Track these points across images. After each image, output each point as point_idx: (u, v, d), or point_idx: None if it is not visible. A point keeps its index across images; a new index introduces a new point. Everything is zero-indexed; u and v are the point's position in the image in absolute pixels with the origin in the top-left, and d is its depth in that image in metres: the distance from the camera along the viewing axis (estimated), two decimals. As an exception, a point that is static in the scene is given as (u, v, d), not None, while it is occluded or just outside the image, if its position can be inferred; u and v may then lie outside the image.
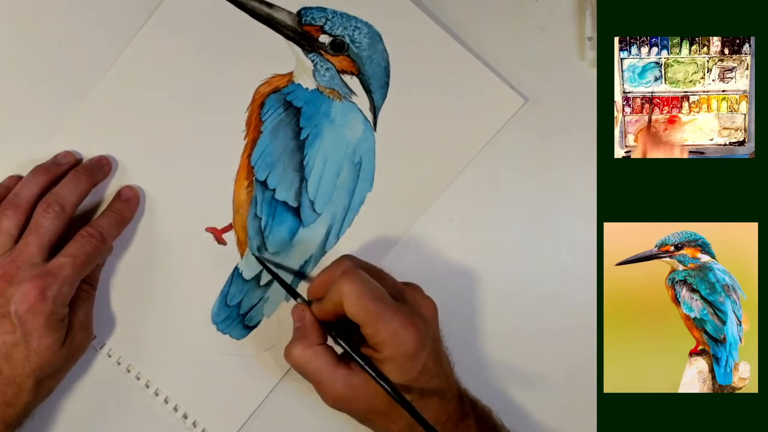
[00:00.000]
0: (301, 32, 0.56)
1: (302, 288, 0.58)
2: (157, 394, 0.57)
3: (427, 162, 0.57)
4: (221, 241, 0.57)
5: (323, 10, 0.56)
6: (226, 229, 0.57)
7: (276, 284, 0.57)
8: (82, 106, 0.57)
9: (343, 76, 0.56)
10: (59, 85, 0.57)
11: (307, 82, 0.57)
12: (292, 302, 0.56)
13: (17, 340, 0.51)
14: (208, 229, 0.57)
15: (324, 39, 0.56)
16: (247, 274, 0.57)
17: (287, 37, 0.56)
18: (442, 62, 0.57)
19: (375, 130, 0.57)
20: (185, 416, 0.57)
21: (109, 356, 0.57)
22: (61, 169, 0.56)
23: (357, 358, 0.49)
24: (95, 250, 0.54)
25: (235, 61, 0.57)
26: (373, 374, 0.49)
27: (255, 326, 0.58)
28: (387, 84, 0.57)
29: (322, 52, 0.56)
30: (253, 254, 0.57)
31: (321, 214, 0.57)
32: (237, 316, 0.57)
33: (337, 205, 0.57)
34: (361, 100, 0.57)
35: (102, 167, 0.57)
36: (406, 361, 0.50)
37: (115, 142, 0.57)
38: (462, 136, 0.57)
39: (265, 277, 0.57)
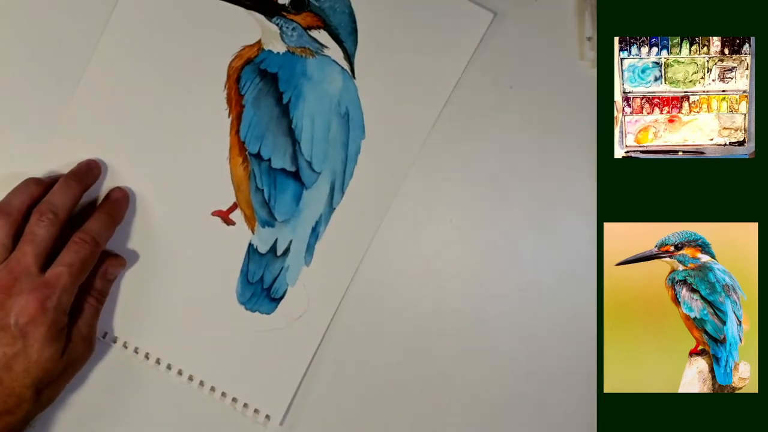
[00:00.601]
0: None
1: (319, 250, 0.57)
2: (202, 385, 0.58)
3: (414, 95, 0.57)
4: (230, 222, 0.57)
5: None
6: (231, 209, 0.57)
7: (294, 251, 0.57)
8: (65, 113, 0.57)
9: (310, 32, 0.56)
10: (44, 87, 0.58)
11: (277, 47, 0.57)
12: (314, 266, 0.57)
13: (18, 351, 0.52)
14: (214, 213, 0.57)
15: (284, 0, 0.56)
16: (263, 248, 0.57)
17: (247, 7, 0.56)
18: None
19: (354, 77, 0.57)
20: (234, 400, 0.58)
21: (147, 359, 0.58)
22: (51, 178, 0.56)
23: None
24: (90, 255, 0.54)
25: (202, 42, 0.57)
26: None
27: (282, 297, 0.58)
28: (355, 30, 0.56)
29: (285, 14, 0.56)
30: None
31: (320, 172, 0.57)
32: (262, 291, 0.57)
33: (335, 160, 0.57)
34: (334, 51, 0.56)
35: (91, 170, 0.57)
36: None
37: (103, 144, 0.58)
38: (440, 62, 0.57)
39: (281, 247, 0.57)
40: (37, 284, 0.52)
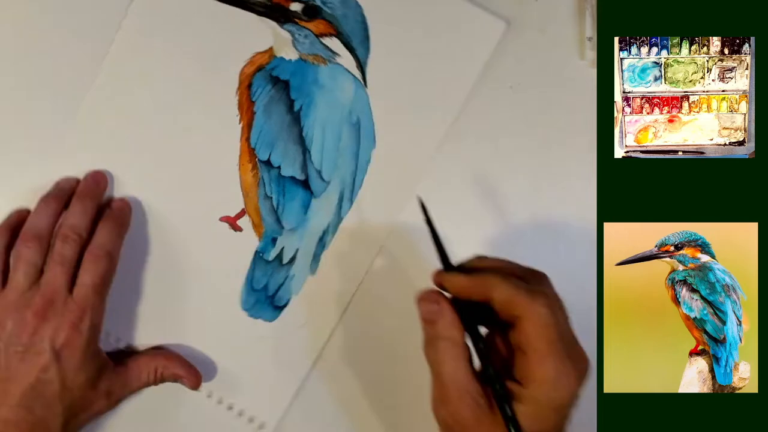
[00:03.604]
0: (271, 5, 0.56)
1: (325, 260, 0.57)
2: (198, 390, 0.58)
3: (425, 105, 0.57)
4: (237, 228, 0.57)
5: None
6: (239, 215, 0.57)
7: (300, 259, 0.57)
8: (74, 124, 0.57)
9: (322, 40, 0.56)
10: (54, 93, 0.58)
11: (289, 54, 0.57)
12: (319, 276, 0.57)
13: (52, 377, 0.51)
14: (222, 219, 0.57)
15: (296, 7, 0.56)
16: (269, 256, 0.57)
17: (259, 14, 0.56)
18: (417, 2, 0.56)
19: (366, 86, 0.57)
20: (230, 407, 0.58)
21: None
22: (67, 194, 0.56)
23: (497, 387, 0.45)
24: (108, 269, 0.54)
25: (214, 48, 0.57)
26: (509, 411, 0.44)
27: (285, 305, 0.58)
28: (367, 38, 0.56)
29: (297, 21, 0.56)
30: (418, 198, 0.49)
31: (330, 181, 0.57)
32: (266, 299, 0.57)
33: (344, 170, 0.57)
34: (346, 59, 0.56)
35: (99, 184, 0.57)
36: (547, 410, 0.44)
37: (113, 153, 0.58)
38: (453, 71, 0.57)
39: (288, 255, 0.57)
40: (70, 307, 0.52)
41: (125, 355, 0.57)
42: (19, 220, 0.56)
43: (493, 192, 0.58)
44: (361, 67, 0.56)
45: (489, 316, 0.46)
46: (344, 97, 0.57)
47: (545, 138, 0.58)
